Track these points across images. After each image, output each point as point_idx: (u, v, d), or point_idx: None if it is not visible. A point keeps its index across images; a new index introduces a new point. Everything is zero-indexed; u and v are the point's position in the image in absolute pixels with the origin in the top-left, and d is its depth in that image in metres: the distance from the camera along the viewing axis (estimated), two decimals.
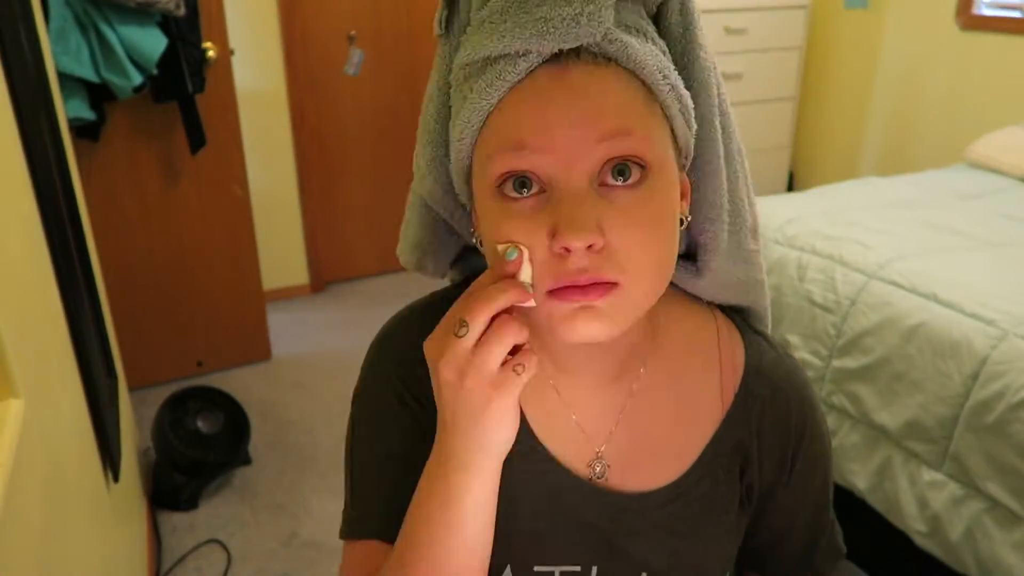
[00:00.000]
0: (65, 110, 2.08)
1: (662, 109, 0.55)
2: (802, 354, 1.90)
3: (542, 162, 0.52)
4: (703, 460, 0.67)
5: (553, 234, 0.51)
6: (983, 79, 3.08)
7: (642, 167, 0.53)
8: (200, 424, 2.27)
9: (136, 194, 2.55)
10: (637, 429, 0.67)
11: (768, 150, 3.72)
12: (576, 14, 0.50)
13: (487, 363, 0.52)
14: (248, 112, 2.90)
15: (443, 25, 0.59)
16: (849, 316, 1.79)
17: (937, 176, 2.57)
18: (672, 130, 0.56)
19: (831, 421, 1.84)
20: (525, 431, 0.65)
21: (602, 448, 0.66)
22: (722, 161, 0.61)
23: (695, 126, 0.58)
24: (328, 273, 3.62)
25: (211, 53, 2.47)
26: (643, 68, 0.53)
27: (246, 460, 2.35)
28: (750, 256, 0.66)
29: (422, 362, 0.57)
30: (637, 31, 0.54)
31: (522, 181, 0.53)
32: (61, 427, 1.12)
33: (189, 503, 2.17)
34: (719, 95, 0.60)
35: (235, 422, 2.32)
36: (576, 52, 0.52)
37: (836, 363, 1.82)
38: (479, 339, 0.52)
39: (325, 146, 3.41)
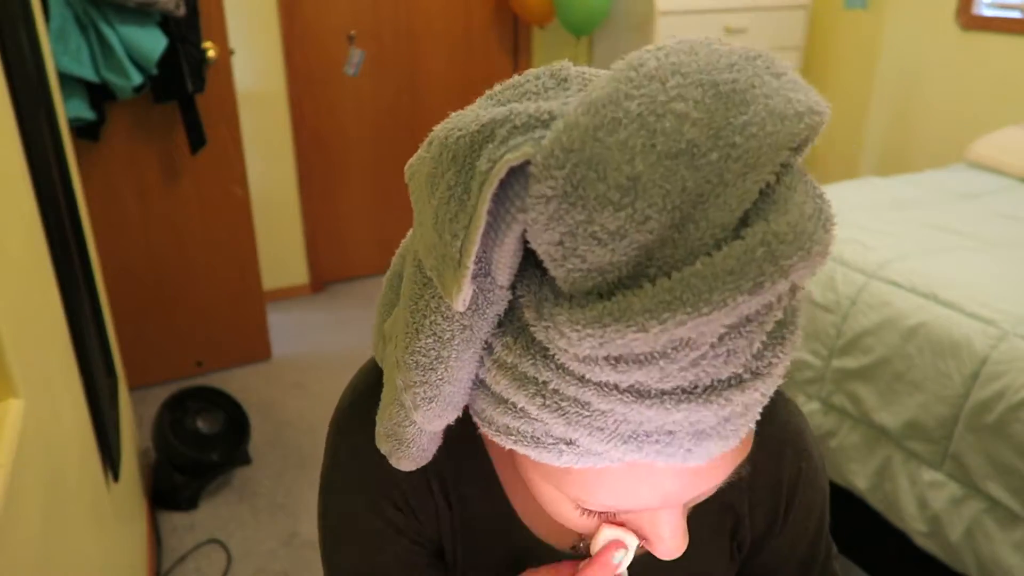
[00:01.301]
0: (65, 110, 2.08)
1: None
2: (802, 354, 1.90)
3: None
4: (689, 516, 0.64)
5: (645, 539, 0.49)
6: (983, 79, 3.08)
7: None
8: (200, 424, 2.27)
9: (136, 194, 2.55)
10: None
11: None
12: (725, 440, 0.40)
13: None
14: (248, 112, 2.90)
15: (464, 304, 0.39)
16: (849, 316, 1.79)
17: (937, 176, 2.57)
18: None
19: (831, 421, 1.84)
20: (499, 505, 0.63)
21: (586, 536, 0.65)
22: None
23: None
24: (328, 273, 3.62)
25: (211, 53, 2.47)
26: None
27: (246, 460, 2.35)
28: None
29: (406, 477, 0.59)
30: None
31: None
32: (61, 427, 1.12)
33: (189, 503, 2.17)
34: None
35: (235, 422, 2.32)
36: None
37: (836, 363, 1.82)
38: None
39: (325, 146, 3.41)
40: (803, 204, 0.34)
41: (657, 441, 0.38)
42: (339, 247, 3.60)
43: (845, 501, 1.80)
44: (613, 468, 0.42)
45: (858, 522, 1.79)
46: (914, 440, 1.65)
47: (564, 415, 0.39)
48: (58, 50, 2.05)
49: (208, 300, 2.79)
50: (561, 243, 0.35)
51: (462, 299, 0.37)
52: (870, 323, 1.74)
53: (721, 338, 0.35)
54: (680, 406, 0.36)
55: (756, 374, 0.37)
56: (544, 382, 0.39)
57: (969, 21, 3.09)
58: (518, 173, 0.35)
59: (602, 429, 0.38)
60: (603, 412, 0.38)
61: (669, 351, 0.34)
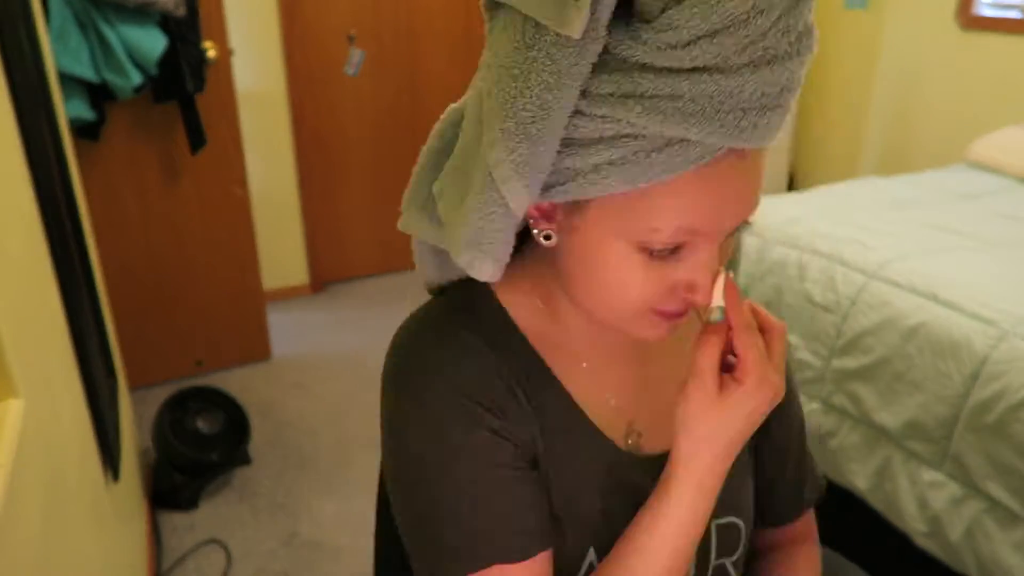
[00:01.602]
0: (65, 110, 2.08)
1: None
2: (802, 354, 1.90)
3: (704, 238, 0.56)
4: None
5: (690, 287, 0.58)
6: (983, 79, 3.08)
7: None
8: (200, 424, 2.27)
9: (136, 194, 2.55)
10: (657, 395, 0.71)
11: (768, 150, 3.70)
12: (780, 112, 0.51)
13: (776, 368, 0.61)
14: (248, 112, 2.90)
15: (582, 27, 0.48)
16: (849, 316, 1.79)
17: (937, 176, 2.57)
18: None
19: (831, 421, 1.84)
20: (569, 406, 0.68)
21: (633, 418, 0.71)
22: None
23: None
24: (328, 273, 3.62)
25: (211, 53, 2.47)
26: None
27: (246, 460, 2.35)
28: None
29: (493, 380, 0.63)
30: None
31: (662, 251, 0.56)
32: (61, 427, 1.12)
33: (189, 503, 2.17)
34: None
35: (235, 422, 2.32)
36: None
37: (836, 363, 1.82)
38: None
39: (325, 146, 3.41)
40: None
41: (733, 117, 0.49)
42: (339, 247, 3.60)
43: (845, 501, 1.80)
44: (684, 183, 0.52)
45: (858, 522, 1.79)
46: (914, 440, 1.65)
47: (661, 113, 0.49)
48: (58, 50, 2.05)
49: (208, 300, 2.79)
50: None
51: (580, 26, 0.47)
52: (870, 323, 1.74)
53: (780, 16, 0.47)
54: (754, 75, 0.48)
55: (799, 52, 0.49)
56: (642, 92, 0.49)
57: (969, 21, 3.09)
58: None
59: (692, 115, 0.49)
60: (693, 98, 0.48)
61: (750, 18, 0.46)
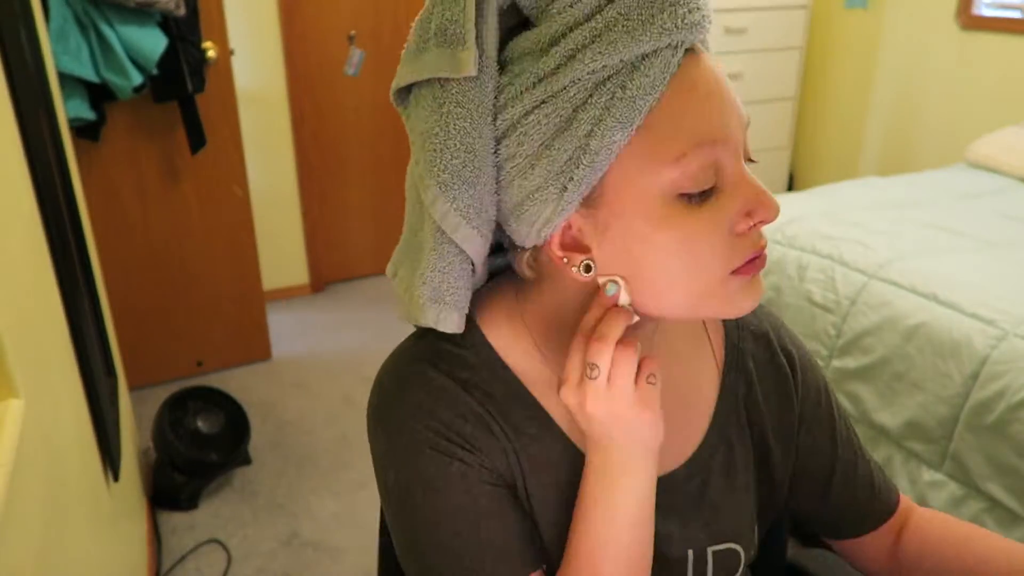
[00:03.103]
0: (65, 110, 2.08)
1: None
2: None
3: (726, 153, 0.55)
4: (713, 429, 0.71)
5: (747, 213, 0.56)
6: (983, 79, 3.08)
7: None
8: (200, 424, 2.27)
9: (136, 194, 2.55)
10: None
11: (768, 150, 3.72)
12: (705, 3, 0.54)
13: (626, 389, 0.57)
14: (248, 112, 2.90)
15: (476, 64, 0.54)
16: (849, 316, 1.79)
17: (937, 176, 2.57)
18: None
19: None
20: (555, 436, 0.66)
21: None
22: None
23: None
24: (328, 273, 3.62)
25: (211, 53, 2.47)
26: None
27: (246, 460, 2.35)
28: None
29: (465, 419, 0.62)
30: None
31: (702, 191, 0.55)
32: (61, 427, 1.12)
33: (189, 503, 2.17)
34: None
35: (235, 422, 2.32)
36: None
37: (836, 363, 1.82)
38: (610, 373, 0.57)
39: (325, 146, 3.41)
40: None
41: (669, 16, 0.51)
42: (339, 247, 3.60)
43: None
44: (672, 103, 0.53)
45: None
46: (914, 440, 1.65)
47: (611, 44, 0.52)
48: (58, 50, 2.05)
49: (208, 300, 2.79)
50: None
51: (474, 61, 0.53)
52: (870, 323, 1.74)
53: None
54: None
55: None
56: (582, 45, 0.53)
57: (969, 21, 3.09)
58: None
59: (634, 29, 0.51)
60: (626, 15, 0.52)
61: None
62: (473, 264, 0.62)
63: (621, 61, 0.52)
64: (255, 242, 2.82)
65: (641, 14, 0.52)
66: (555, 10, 0.54)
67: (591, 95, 0.53)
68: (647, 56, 0.52)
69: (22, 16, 1.34)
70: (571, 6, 0.53)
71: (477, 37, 0.54)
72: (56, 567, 0.94)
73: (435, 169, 0.56)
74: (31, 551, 0.83)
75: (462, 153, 0.55)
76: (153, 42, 2.21)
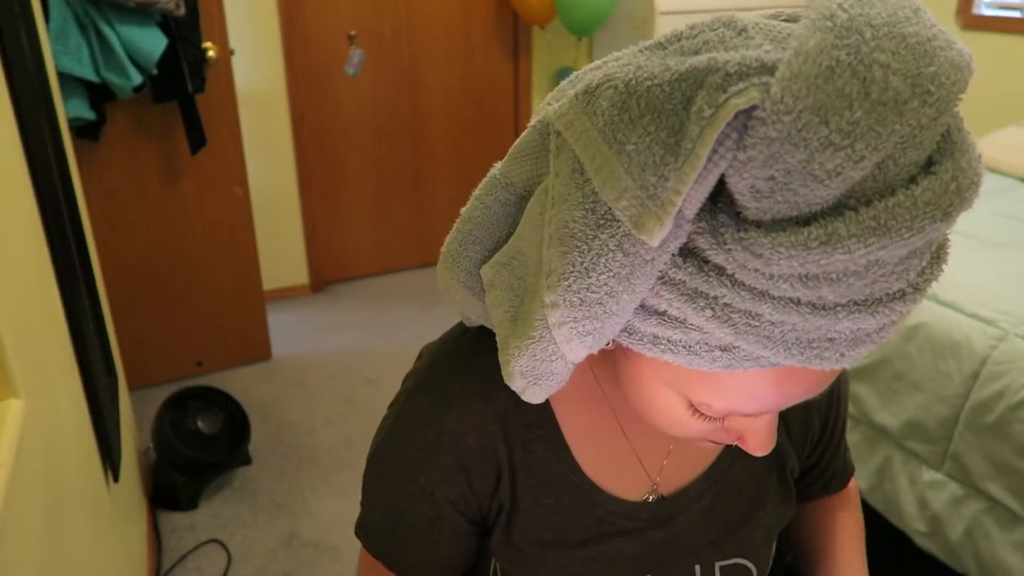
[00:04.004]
0: (65, 110, 2.08)
1: None
2: None
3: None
4: (729, 445, 0.69)
5: (740, 437, 0.55)
6: (983, 79, 3.07)
7: None
8: (200, 424, 2.27)
9: (136, 194, 2.55)
10: (679, 444, 0.69)
11: None
12: (874, 341, 0.44)
13: None
14: (248, 112, 2.90)
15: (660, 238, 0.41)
16: None
17: None
18: None
19: None
20: (573, 467, 0.65)
21: (658, 479, 0.69)
22: None
23: None
24: (328, 273, 3.62)
25: (211, 53, 2.47)
26: None
27: (246, 460, 2.35)
28: None
29: (489, 455, 0.63)
30: None
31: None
32: (61, 427, 1.12)
33: (189, 503, 2.17)
34: None
35: (235, 422, 2.32)
36: None
37: None
38: None
39: (325, 146, 3.41)
40: (973, 146, 0.40)
41: (818, 347, 0.42)
42: (339, 247, 3.60)
43: None
44: (754, 373, 0.46)
45: None
46: (914, 440, 1.65)
47: (733, 326, 0.42)
48: (58, 50, 2.05)
49: (208, 300, 2.79)
50: (773, 178, 0.38)
51: (660, 236, 0.40)
52: None
53: (902, 259, 0.40)
54: (850, 316, 0.41)
55: (916, 288, 0.42)
56: (715, 297, 0.42)
57: (969, 21, 3.09)
58: (738, 117, 0.38)
59: (769, 337, 0.42)
60: (774, 323, 0.42)
61: (861, 270, 0.39)
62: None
63: (731, 343, 0.45)
64: (255, 242, 2.82)
65: (794, 332, 0.42)
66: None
67: (688, 327, 0.46)
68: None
69: (22, 16, 1.34)
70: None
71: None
72: (56, 567, 0.94)
73: (565, 282, 0.45)
74: (31, 551, 0.83)
75: (602, 294, 0.45)
76: (153, 42, 2.21)
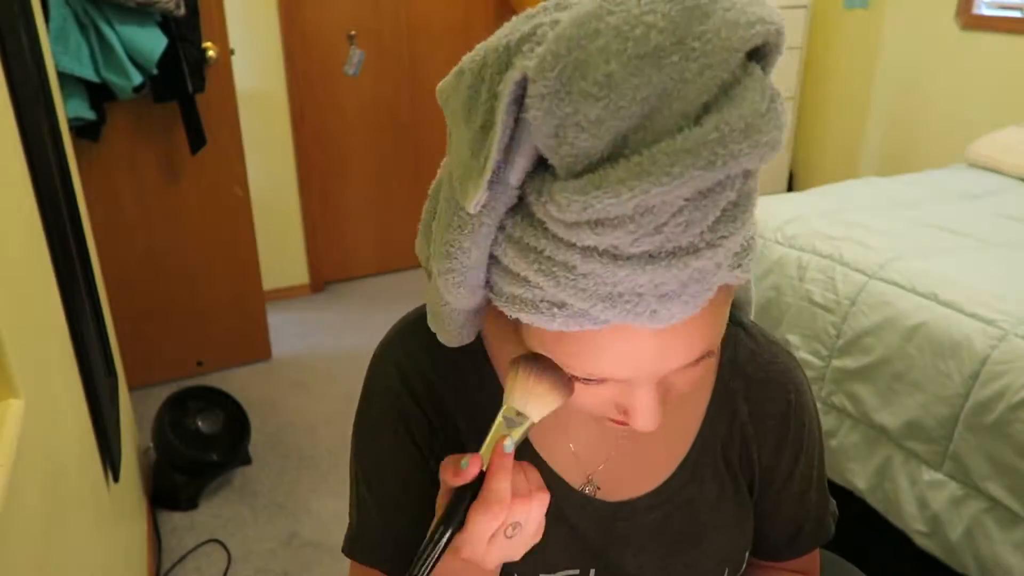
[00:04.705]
0: (65, 110, 2.07)
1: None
2: (802, 354, 1.90)
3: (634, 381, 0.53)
4: (685, 465, 0.69)
5: (625, 412, 0.55)
6: (983, 79, 3.08)
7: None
8: (200, 424, 2.27)
9: (136, 194, 2.55)
10: (625, 448, 0.69)
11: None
12: (686, 301, 0.46)
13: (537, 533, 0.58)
14: (248, 112, 2.90)
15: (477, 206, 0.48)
16: (849, 316, 1.79)
17: (937, 176, 2.57)
18: None
19: (831, 421, 1.84)
20: (526, 447, 0.67)
21: (594, 472, 0.69)
22: None
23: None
24: (328, 273, 3.62)
25: (211, 53, 2.47)
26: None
27: (246, 460, 2.35)
28: None
29: (431, 366, 0.67)
30: None
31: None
32: (61, 427, 1.12)
33: (189, 503, 2.17)
34: None
35: (235, 422, 2.32)
36: None
37: (836, 363, 1.82)
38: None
39: (325, 146, 3.41)
40: (757, 103, 0.39)
41: (628, 301, 0.44)
42: (339, 247, 3.60)
43: (845, 501, 1.80)
44: (597, 334, 0.48)
45: (858, 522, 1.79)
46: (914, 440, 1.65)
47: (555, 279, 0.45)
48: (58, 50, 2.05)
49: (208, 300, 2.79)
50: (556, 134, 0.41)
51: (476, 203, 0.45)
52: (870, 323, 1.74)
53: (680, 209, 0.41)
54: (647, 268, 0.43)
55: (710, 244, 0.43)
56: (540, 250, 0.46)
57: (969, 21, 3.09)
58: (520, 83, 0.42)
59: (584, 289, 0.45)
60: (585, 275, 0.44)
61: (637, 216, 0.41)
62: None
63: (559, 297, 0.47)
64: (255, 242, 2.82)
65: (602, 283, 0.45)
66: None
67: (530, 283, 0.49)
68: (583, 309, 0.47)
69: (22, 16, 1.34)
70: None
71: (495, 178, 0.46)
72: (56, 567, 0.94)
73: (439, 238, 0.51)
74: (31, 551, 0.83)
75: (457, 250, 0.50)
76: (153, 42, 2.21)
